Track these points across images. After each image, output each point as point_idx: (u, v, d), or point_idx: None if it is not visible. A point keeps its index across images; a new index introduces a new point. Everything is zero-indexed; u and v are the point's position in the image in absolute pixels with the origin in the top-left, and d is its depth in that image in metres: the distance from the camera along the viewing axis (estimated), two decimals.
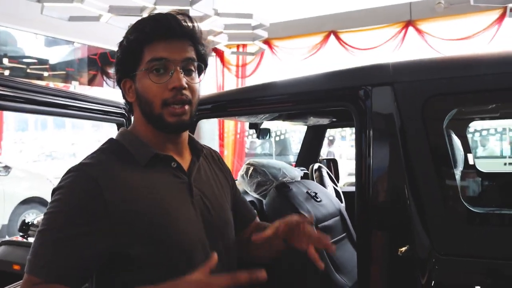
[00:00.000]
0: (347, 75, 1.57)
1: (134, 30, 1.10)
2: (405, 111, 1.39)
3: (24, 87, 1.30)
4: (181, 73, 1.08)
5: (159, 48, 1.08)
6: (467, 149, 2.54)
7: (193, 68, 1.13)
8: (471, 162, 2.53)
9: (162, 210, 1.06)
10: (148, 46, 1.08)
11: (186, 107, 1.10)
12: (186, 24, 1.11)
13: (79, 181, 1.02)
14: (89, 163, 1.07)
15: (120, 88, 1.17)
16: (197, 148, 1.23)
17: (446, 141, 1.40)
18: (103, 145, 1.15)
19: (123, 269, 1.05)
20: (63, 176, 1.05)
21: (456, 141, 2.18)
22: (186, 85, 1.09)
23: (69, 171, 1.06)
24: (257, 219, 1.43)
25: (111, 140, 1.17)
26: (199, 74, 1.16)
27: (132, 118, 1.24)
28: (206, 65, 1.19)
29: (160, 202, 1.07)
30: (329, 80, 1.60)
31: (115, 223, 1.01)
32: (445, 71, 1.42)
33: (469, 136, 2.65)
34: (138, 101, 1.13)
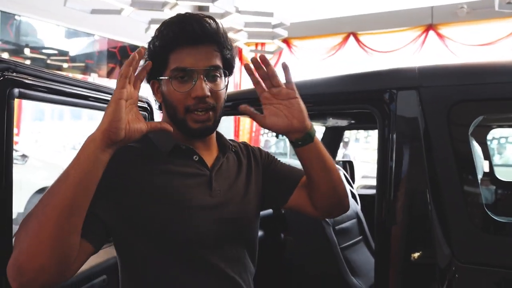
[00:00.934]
0: (372, 77, 1.55)
1: (159, 36, 1.11)
2: (430, 116, 1.37)
3: (49, 77, 1.31)
4: (205, 81, 1.08)
5: (182, 55, 1.08)
6: (486, 156, 2.51)
7: (218, 74, 1.13)
8: (489, 169, 2.50)
9: (172, 199, 1.07)
10: (172, 53, 1.09)
11: (210, 113, 1.11)
12: (210, 28, 1.10)
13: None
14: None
15: (150, 87, 1.19)
16: (225, 146, 1.24)
17: (471, 148, 1.38)
18: None
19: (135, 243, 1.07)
20: None
21: (477, 148, 2.15)
22: (209, 94, 1.09)
23: None
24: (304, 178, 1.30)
25: None
26: (226, 76, 1.16)
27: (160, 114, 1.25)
28: (232, 69, 1.19)
29: (175, 189, 1.08)
30: (353, 82, 1.59)
31: (124, 204, 1.04)
32: (472, 77, 1.40)
33: (488, 143, 2.62)
34: (164, 103, 1.15)
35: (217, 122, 1.15)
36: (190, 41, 1.08)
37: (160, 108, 1.22)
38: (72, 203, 0.90)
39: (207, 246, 1.10)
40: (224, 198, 1.16)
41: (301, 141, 1.15)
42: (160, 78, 1.12)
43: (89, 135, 0.93)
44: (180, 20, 1.10)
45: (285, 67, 1.11)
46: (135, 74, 0.96)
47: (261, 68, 1.09)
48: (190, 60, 1.08)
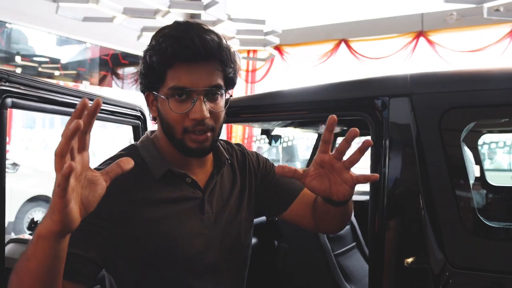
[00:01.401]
0: (364, 85, 1.56)
1: (156, 50, 1.01)
2: (423, 123, 1.38)
3: (42, 86, 1.31)
4: (204, 102, 1.01)
5: (181, 73, 1.00)
6: (477, 162, 2.53)
7: (219, 93, 1.06)
8: (481, 175, 2.51)
9: (160, 227, 1.05)
10: (170, 69, 1.01)
11: (208, 134, 1.05)
12: (212, 44, 1.01)
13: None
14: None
15: (145, 98, 1.14)
16: (220, 161, 1.18)
17: (463, 154, 1.39)
18: (122, 151, 1.14)
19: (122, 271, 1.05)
20: None
21: (469, 153, 2.17)
22: (208, 115, 1.02)
23: None
24: (306, 191, 1.26)
25: (131, 147, 1.15)
26: (226, 94, 1.10)
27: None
28: (234, 86, 1.13)
29: (164, 219, 1.06)
30: (346, 89, 1.60)
31: (112, 231, 1.00)
32: (464, 83, 1.41)
33: (479, 148, 2.64)
34: (160, 120, 1.09)
35: (215, 142, 1.10)
36: (190, 59, 0.99)
37: (154, 119, 1.15)
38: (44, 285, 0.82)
39: (196, 273, 1.09)
40: (216, 219, 1.14)
41: (333, 204, 1.06)
42: (156, 94, 1.06)
43: (37, 229, 0.78)
44: (180, 34, 1.00)
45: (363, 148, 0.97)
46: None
47: (349, 143, 0.98)
48: (189, 79, 1.00)
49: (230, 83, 1.10)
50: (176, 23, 1.06)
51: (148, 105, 1.12)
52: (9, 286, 0.84)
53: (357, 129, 0.95)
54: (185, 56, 0.99)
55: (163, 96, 1.03)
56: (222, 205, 1.17)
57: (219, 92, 1.06)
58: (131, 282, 1.06)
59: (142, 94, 1.14)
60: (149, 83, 1.06)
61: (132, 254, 1.03)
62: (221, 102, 1.07)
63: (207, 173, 1.17)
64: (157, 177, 1.08)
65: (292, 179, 1.19)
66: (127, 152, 1.13)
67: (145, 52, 1.05)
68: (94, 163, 1.07)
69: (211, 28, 1.08)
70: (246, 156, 1.31)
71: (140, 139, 1.17)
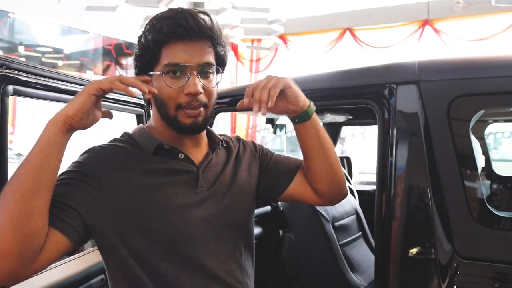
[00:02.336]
0: (372, 72, 1.54)
1: (152, 29, 1.07)
2: (430, 111, 1.36)
3: (44, 73, 1.30)
4: (198, 78, 1.06)
5: (176, 50, 1.05)
6: (484, 151, 2.50)
7: (211, 71, 1.11)
8: (489, 164, 2.49)
9: (154, 196, 1.06)
10: (165, 47, 1.06)
11: (201, 109, 1.09)
12: (205, 23, 1.08)
13: (89, 152, 1.09)
14: (99, 146, 1.11)
15: None
16: (214, 142, 1.22)
17: (472, 143, 1.37)
18: (119, 137, 1.19)
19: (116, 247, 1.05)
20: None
21: (477, 143, 2.14)
22: (202, 90, 1.07)
23: (85, 152, 1.11)
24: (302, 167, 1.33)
25: (124, 133, 1.19)
26: (218, 73, 1.15)
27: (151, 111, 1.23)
28: (225, 66, 1.17)
29: (155, 188, 1.07)
30: (352, 77, 1.58)
31: (104, 200, 1.02)
32: (472, 71, 1.39)
33: (488, 138, 2.62)
34: (154, 99, 1.12)
35: (207, 119, 1.13)
36: (184, 36, 1.05)
37: (148, 104, 1.21)
38: (34, 185, 0.90)
39: (193, 245, 1.08)
40: (210, 192, 1.14)
41: (297, 118, 1.18)
42: (151, 73, 1.09)
43: (50, 118, 0.95)
44: (174, 14, 1.06)
45: None
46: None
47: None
48: (183, 56, 1.05)
49: (221, 62, 1.15)
50: (170, 9, 1.12)
51: None
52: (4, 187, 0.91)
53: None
54: (179, 33, 1.04)
55: (158, 73, 1.07)
56: (215, 179, 1.18)
57: (211, 70, 1.11)
58: (132, 254, 1.05)
59: None
60: (144, 63, 1.10)
61: (123, 223, 1.03)
62: (213, 80, 1.12)
63: (202, 153, 1.20)
64: (149, 152, 1.11)
65: (288, 157, 1.35)
66: (121, 137, 1.17)
67: (140, 35, 1.11)
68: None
69: (213, 16, 1.14)
70: (241, 140, 1.36)
71: (134, 128, 1.22)
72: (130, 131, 1.19)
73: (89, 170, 1.03)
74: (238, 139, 1.36)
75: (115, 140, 1.16)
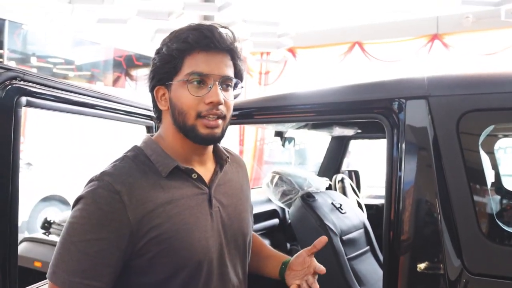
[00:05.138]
0: (381, 86, 1.54)
1: (176, 39, 1.08)
2: (440, 126, 1.36)
3: (57, 85, 1.31)
4: (219, 89, 1.08)
5: (199, 60, 1.07)
6: (494, 166, 2.48)
7: (230, 84, 1.13)
8: (499, 180, 2.47)
9: (179, 223, 1.06)
10: (189, 57, 1.07)
11: (220, 121, 1.10)
12: (227, 37, 1.10)
13: (102, 193, 1.01)
14: (111, 173, 1.05)
15: (152, 95, 1.16)
16: (221, 158, 1.22)
17: (481, 158, 1.36)
18: (126, 152, 1.15)
19: (136, 273, 1.06)
20: (85, 185, 1.05)
21: (486, 158, 2.13)
22: (223, 101, 1.08)
23: (91, 180, 1.05)
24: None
25: (135, 148, 1.16)
26: (235, 87, 1.17)
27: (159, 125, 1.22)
28: (242, 81, 1.18)
29: (179, 216, 1.06)
30: (361, 91, 1.58)
31: (135, 238, 1.02)
32: (482, 86, 1.39)
33: (496, 153, 2.60)
34: (171, 110, 1.11)
35: (224, 132, 1.13)
36: (209, 47, 1.07)
37: (158, 118, 1.19)
38: None
39: (210, 267, 1.10)
40: (223, 213, 1.16)
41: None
42: (170, 83, 1.10)
43: None
44: (199, 27, 1.09)
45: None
46: None
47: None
48: (207, 66, 1.07)
49: (240, 76, 1.16)
50: (191, 24, 1.13)
51: (156, 100, 1.15)
52: None
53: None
54: (204, 43, 1.06)
55: (180, 81, 1.07)
56: (227, 200, 1.19)
57: (231, 83, 1.13)
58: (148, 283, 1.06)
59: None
60: (164, 74, 1.10)
61: (151, 254, 1.04)
62: (231, 94, 1.14)
63: (210, 170, 1.20)
64: (164, 174, 1.09)
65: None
66: (131, 153, 1.14)
67: (161, 47, 1.11)
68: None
69: (237, 38, 1.16)
70: (241, 161, 1.39)
71: (142, 140, 1.18)
72: (139, 145, 1.17)
73: (112, 218, 1.00)
74: (240, 159, 1.39)
75: (124, 158, 1.12)
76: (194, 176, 1.12)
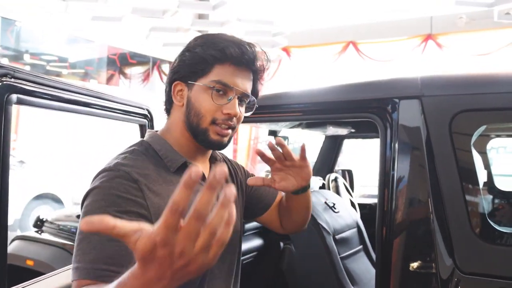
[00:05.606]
0: (374, 86, 1.55)
1: (213, 46, 1.11)
2: (433, 126, 1.36)
3: (48, 83, 1.30)
4: (238, 102, 1.13)
5: (228, 72, 1.11)
6: (486, 166, 2.49)
7: (246, 100, 1.18)
8: (491, 179, 2.48)
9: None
10: (219, 65, 1.11)
11: (230, 131, 1.14)
12: (258, 57, 1.15)
13: (120, 182, 0.99)
14: (126, 164, 1.04)
15: (169, 88, 1.17)
16: (215, 159, 1.27)
17: (473, 158, 1.37)
18: (133, 145, 1.15)
19: None
20: (96, 177, 1.03)
21: (478, 158, 2.14)
22: (239, 114, 1.14)
23: (104, 170, 1.03)
24: (279, 197, 1.44)
25: (142, 142, 1.17)
26: (249, 104, 1.21)
27: (166, 119, 1.22)
28: (255, 100, 1.22)
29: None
30: (355, 90, 1.58)
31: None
32: (475, 86, 1.39)
33: (489, 153, 2.61)
34: (187, 108, 1.14)
35: (230, 141, 1.18)
36: (240, 62, 1.11)
37: (168, 111, 1.21)
38: None
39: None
40: None
41: (301, 191, 1.26)
42: (193, 83, 1.12)
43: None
44: (236, 40, 1.13)
45: (302, 149, 1.21)
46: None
47: (276, 150, 1.18)
48: (233, 79, 1.11)
49: (255, 94, 1.22)
50: (224, 34, 1.17)
51: (172, 93, 1.16)
52: None
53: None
54: (238, 58, 1.10)
55: (205, 85, 1.11)
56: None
57: (246, 99, 1.18)
58: None
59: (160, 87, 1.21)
60: (190, 73, 1.12)
61: None
62: (244, 108, 1.19)
63: (207, 168, 1.23)
64: (173, 170, 1.11)
65: (266, 188, 1.42)
66: (139, 147, 1.14)
67: (193, 46, 1.14)
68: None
69: (269, 61, 1.23)
70: (232, 161, 1.43)
71: (148, 135, 1.19)
72: (146, 139, 1.17)
73: (137, 195, 0.99)
74: (229, 160, 1.43)
75: (133, 152, 1.11)
76: None
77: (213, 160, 1.26)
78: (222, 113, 1.11)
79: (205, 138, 1.12)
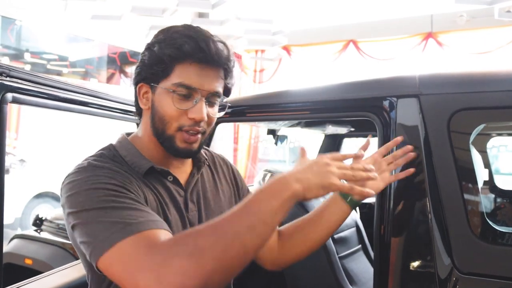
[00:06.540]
0: (372, 85, 1.54)
1: (170, 43, 1.02)
2: (431, 124, 1.35)
3: (44, 81, 1.29)
4: (205, 104, 1.05)
5: (190, 72, 1.02)
6: (485, 165, 2.48)
7: (217, 99, 1.10)
8: (490, 178, 2.48)
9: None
10: (180, 65, 1.02)
11: (199, 136, 1.08)
12: (224, 53, 1.06)
13: (100, 168, 0.98)
14: (98, 165, 1.01)
15: (134, 90, 1.12)
16: (199, 161, 1.20)
17: (472, 157, 1.36)
18: (102, 150, 1.10)
19: None
20: (72, 174, 1.00)
21: (477, 157, 2.13)
22: (206, 118, 1.06)
23: (79, 165, 1.01)
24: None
25: (110, 146, 1.12)
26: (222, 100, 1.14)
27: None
28: (229, 95, 1.17)
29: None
30: (353, 89, 1.57)
31: None
32: (473, 85, 1.38)
33: (489, 152, 2.60)
34: (152, 113, 1.08)
35: (201, 147, 1.11)
36: (202, 61, 1.02)
37: (139, 113, 1.15)
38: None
39: None
40: (200, 217, 1.13)
41: (352, 204, 1.30)
42: (156, 85, 1.05)
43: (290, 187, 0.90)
44: (196, 36, 1.03)
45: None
46: None
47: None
48: (197, 80, 1.02)
49: (227, 93, 1.14)
50: (187, 25, 1.08)
51: (138, 96, 1.11)
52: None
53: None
54: (199, 56, 1.01)
55: (166, 89, 1.03)
56: (204, 203, 1.16)
57: (217, 99, 1.10)
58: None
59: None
60: (151, 74, 1.05)
61: None
62: (216, 109, 1.11)
63: (186, 172, 1.17)
64: (141, 173, 1.06)
65: None
66: (107, 152, 1.09)
67: (153, 43, 1.06)
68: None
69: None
70: (229, 164, 1.35)
71: (117, 139, 1.14)
72: (114, 144, 1.13)
73: (127, 182, 0.97)
74: (225, 160, 1.35)
75: (101, 156, 1.07)
76: (170, 178, 1.10)
77: (195, 162, 1.20)
78: (188, 118, 1.04)
79: (171, 146, 1.06)
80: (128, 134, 1.17)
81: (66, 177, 1.00)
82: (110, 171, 0.98)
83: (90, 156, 1.06)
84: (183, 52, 1.01)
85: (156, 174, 1.08)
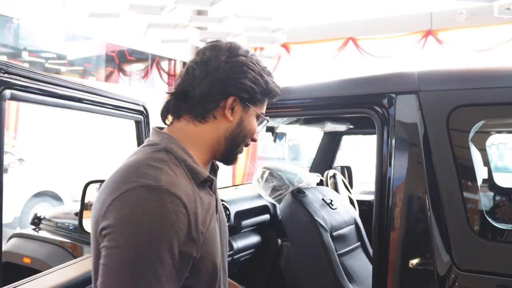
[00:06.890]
0: (371, 81, 1.53)
1: (275, 82, 1.17)
2: (430, 121, 1.35)
3: (42, 78, 1.29)
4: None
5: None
6: (485, 162, 2.48)
7: None
8: (489, 176, 2.47)
9: (211, 232, 1.03)
10: (267, 100, 1.18)
11: None
12: None
13: (170, 208, 0.91)
14: (170, 182, 0.94)
15: (220, 97, 1.07)
16: (213, 165, 1.21)
17: (471, 153, 1.35)
18: (156, 152, 1.02)
19: None
20: (135, 190, 0.91)
21: (476, 154, 2.13)
22: None
23: (148, 188, 0.91)
24: None
25: (164, 148, 1.03)
26: None
27: (180, 123, 1.10)
28: None
29: (213, 228, 1.05)
30: (351, 86, 1.57)
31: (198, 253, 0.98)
32: (472, 81, 1.38)
33: (487, 148, 2.60)
34: (237, 128, 1.11)
35: None
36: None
37: (202, 116, 1.08)
38: None
39: (221, 277, 1.11)
40: (220, 219, 1.17)
41: None
42: (252, 107, 1.12)
43: None
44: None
45: None
46: None
47: None
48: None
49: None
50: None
51: (224, 105, 1.07)
52: None
53: None
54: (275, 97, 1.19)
55: (261, 114, 1.17)
56: (218, 204, 1.20)
57: None
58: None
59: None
60: (253, 97, 1.11)
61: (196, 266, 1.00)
62: None
63: None
64: (197, 183, 1.03)
65: None
66: (167, 157, 1.02)
67: (265, 75, 1.13)
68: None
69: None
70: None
71: (168, 140, 1.06)
72: (165, 144, 1.04)
73: (185, 239, 0.92)
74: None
75: (165, 163, 0.99)
76: (208, 184, 1.09)
77: (212, 167, 1.21)
78: (251, 139, 1.18)
79: (233, 155, 1.16)
80: (162, 131, 1.11)
81: (124, 184, 0.92)
82: (178, 218, 0.91)
83: (152, 164, 0.97)
84: (275, 93, 1.17)
85: (204, 181, 1.06)
